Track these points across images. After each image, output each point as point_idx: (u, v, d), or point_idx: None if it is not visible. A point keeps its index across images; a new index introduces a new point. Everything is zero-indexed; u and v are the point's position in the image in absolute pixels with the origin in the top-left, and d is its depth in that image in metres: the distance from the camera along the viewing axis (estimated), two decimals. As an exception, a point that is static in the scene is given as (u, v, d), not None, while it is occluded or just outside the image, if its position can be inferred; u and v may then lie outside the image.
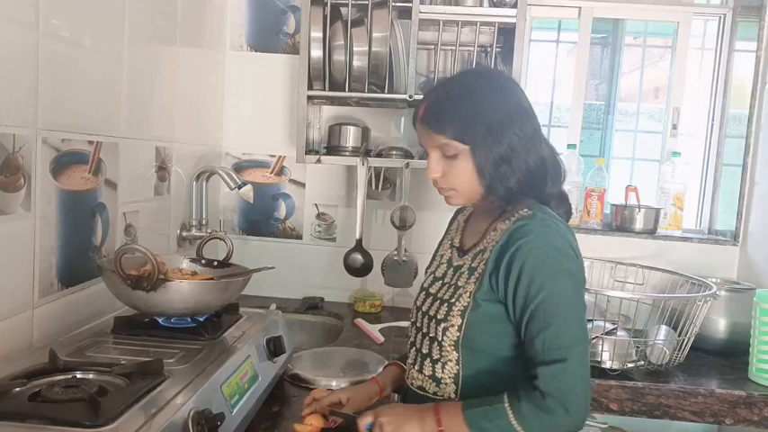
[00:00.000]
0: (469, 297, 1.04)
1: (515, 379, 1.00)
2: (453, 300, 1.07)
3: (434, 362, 1.08)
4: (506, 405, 0.95)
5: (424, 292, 1.15)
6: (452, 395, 1.05)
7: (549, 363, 0.95)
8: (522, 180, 1.04)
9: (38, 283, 1.14)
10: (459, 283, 1.08)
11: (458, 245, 1.16)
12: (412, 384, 1.13)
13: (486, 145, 1.02)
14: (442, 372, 1.07)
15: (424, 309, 1.12)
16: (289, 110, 2.09)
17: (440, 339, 1.07)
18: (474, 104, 1.04)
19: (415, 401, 1.09)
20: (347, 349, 1.62)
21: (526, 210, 1.05)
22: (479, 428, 0.96)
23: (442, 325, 1.06)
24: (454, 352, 1.05)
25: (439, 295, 1.10)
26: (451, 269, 1.12)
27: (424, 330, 1.11)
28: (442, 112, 1.05)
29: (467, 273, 1.08)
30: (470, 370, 1.05)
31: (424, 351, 1.10)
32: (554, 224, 1.03)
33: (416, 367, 1.12)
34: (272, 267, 1.34)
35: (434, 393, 1.08)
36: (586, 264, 1.98)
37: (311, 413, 1.12)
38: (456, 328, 1.05)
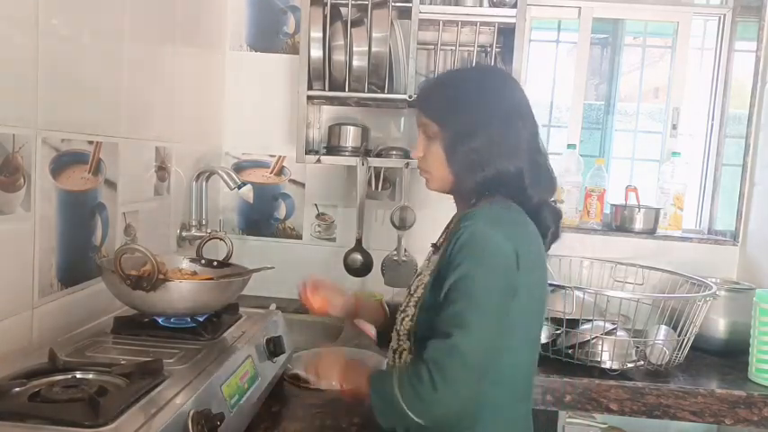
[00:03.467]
0: (423, 288, 1.07)
1: None
2: (414, 292, 1.10)
3: (394, 352, 1.11)
4: (395, 371, 1.00)
5: (406, 291, 1.17)
6: None
7: (438, 336, 0.97)
8: (492, 179, 1.04)
9: (38, 283, 1.14)
10: (422, 277, 1.10)
11: (437, 243, 1.18)
12: None
13: (457, 132, 1.05)
14: (399, 360, 1.09)
15: (401, 306, 1.14)
16: (289, 110, 2.09)
17: (398, 329, 1.10)
18: (458, 93, 1.07)
19: None
20: (347, 349, 1.62)
21: (488, 204, 1.06)
22: (375, 391, 1.01)
23: (402, 315, 1.09)
24: (407, 341, 1.07)
25: (410, 290, 1.13)
26: (427, 264, 1.15)
27: (396, 326, 1.13)
28: (429, 93, 1.12)
29: (429, 265, 1.11)
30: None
31: (391, 344, 1.13)
32: (505, 219, 1.03)
33: (386, 360, 1.15)
34: (272, 267, 1.34)
35: None
36: (586, 263, 2.01)
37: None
38: (409, 317, 1.07)
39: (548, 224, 1.10)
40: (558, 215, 1.13)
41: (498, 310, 0.97)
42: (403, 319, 1.09)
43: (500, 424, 1.06)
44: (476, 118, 1.05)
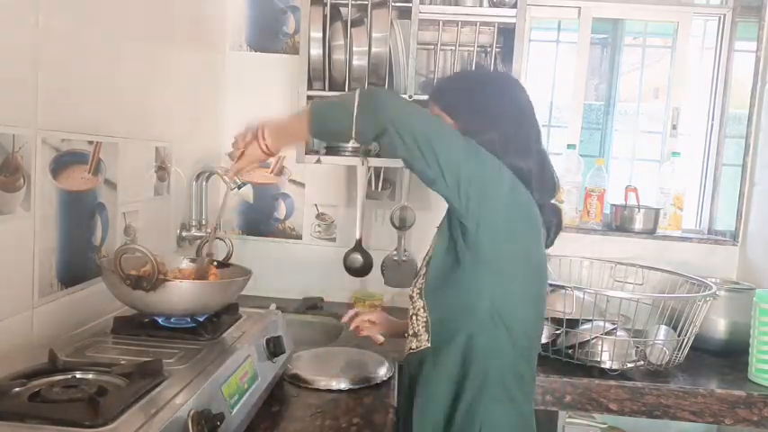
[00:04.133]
0: (432, 247, 1.12)
1: (473, 311, 1.04)
2: (424, 259, 1.15)
3: (411, 318, 1.14)
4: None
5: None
6: (426, 343, 1.10)
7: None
8: None
9: (38, 283, 1.14)
10: (431, 247, 1.15)
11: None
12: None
13: (472, 125, 1.08)
14: (417, 324, 1.12)
15: (415, 280, 1.18)
16: (289, 110, 2.09)
17: (412, 294, 1.14)
18: (475, 90, 1.13)
19: (407, 364, 1.19)
20: (347, 349, 1.62)
21: None
22: (318, 112, 1.09)
23: (414, 280, 1.14)
24: (420, 300, 1.11)
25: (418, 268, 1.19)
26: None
27: (411, 297, 1.16)
28: (444, 87, 1.18)
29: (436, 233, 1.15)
30: (435, 314, 1.09)
31: (409, 315, 1.16)
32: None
33: (407, 334, 1.17)
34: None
35: (416, 348, 1.12)
36: (586, 263, 2.01)
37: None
38: (421, 277, 1.12)
39: (550, 218, 1.14)
40: (558, 210, 1.18)
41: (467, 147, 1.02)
42: (416, 282, 1.13)
43: (503, 371, 1.06)
44: (490, 114, 1.09)
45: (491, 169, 1.02)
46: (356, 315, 1.42)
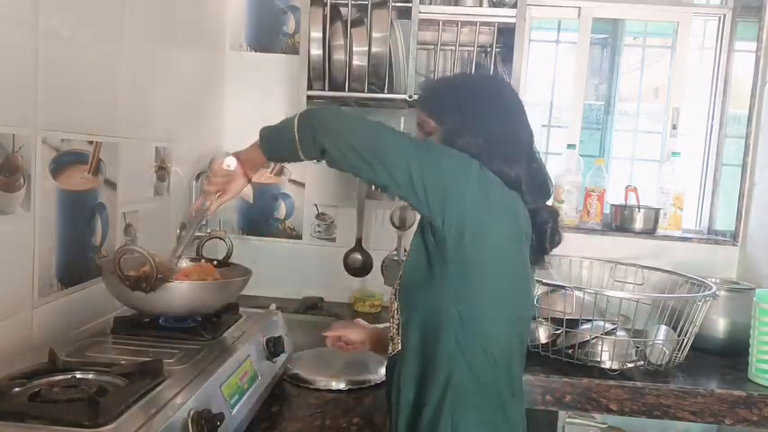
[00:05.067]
0: (409, 249, 1.10)
1: (440, 312, 1.00)
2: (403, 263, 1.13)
3: (390, 321, 1.11)
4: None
5: None
6: (399, 347, 1.07)
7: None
8: None
9: (37, 283, 1.14)
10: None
11: None
12: None
13: (455, 129, 1.06)
14: (393, 327, 1.10)
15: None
16: (289, 110, 2.09)
17: (391, 297, 1.11)
18: (458, 94, 1.10)
19: (386, 371, 1.14)
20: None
21: None
22: (266, 139, 1.12)
23: (394, 282, 1.11)
24: (396, 302, 1.09)
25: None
26: None
27: (390, 306, 1.14)
28: (429, 91, 1.17)
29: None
30: (406, 316, 1.06)
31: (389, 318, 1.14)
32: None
33: (389, 350, 1.14)
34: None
35: (392, 352, 1.09)
36: (586, 263, 2.01)
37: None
38: (399, 278, 1.10)
39: (545, 219, 1.09)
40: (554, 212, 1.12)
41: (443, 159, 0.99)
42: (395, 285, 1.11)
43: (470, 378, 1.00)
44: (474, 118, 1.06)
45: (451, 162, 0.98)
46: (336, 334, 1.39)
